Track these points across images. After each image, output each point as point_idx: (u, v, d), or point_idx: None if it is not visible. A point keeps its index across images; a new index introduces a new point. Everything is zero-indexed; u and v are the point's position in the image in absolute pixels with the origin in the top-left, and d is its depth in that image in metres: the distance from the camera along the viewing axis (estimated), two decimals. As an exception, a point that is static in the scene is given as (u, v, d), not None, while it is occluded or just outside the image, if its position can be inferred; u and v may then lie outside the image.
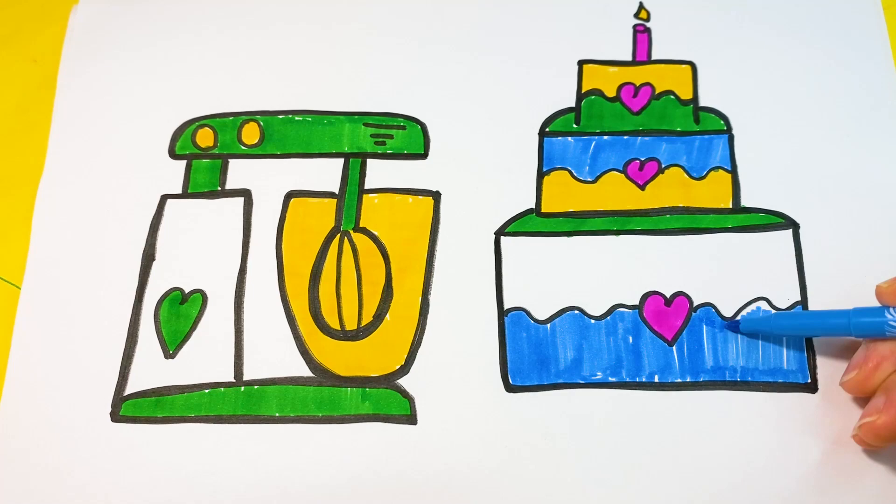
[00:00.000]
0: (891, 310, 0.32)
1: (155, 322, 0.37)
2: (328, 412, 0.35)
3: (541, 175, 0.40)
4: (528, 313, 0.37)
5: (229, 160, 0.41)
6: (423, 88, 0.42)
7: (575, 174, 0.40)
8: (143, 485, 0.34)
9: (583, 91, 0.42)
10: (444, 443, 0.35)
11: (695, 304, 0.37)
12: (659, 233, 0.38)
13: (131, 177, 0.40)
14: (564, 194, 0.39)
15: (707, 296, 0.37)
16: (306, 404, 0.36)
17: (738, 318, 0.37)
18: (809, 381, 0.35)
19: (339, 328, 0.37)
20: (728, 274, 0.37)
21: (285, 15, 0.44)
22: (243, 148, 0.41)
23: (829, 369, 0.35)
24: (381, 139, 0.41)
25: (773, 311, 0.36)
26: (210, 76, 0.43)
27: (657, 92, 0.42)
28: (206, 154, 0.41)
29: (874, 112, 0.40)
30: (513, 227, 0.39)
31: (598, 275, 0.38)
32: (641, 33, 0.43)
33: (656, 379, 0.36)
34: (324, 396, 0.36)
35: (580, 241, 0.38)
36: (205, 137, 0.41)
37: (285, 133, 0.41)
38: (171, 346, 0.37)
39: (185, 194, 0.40)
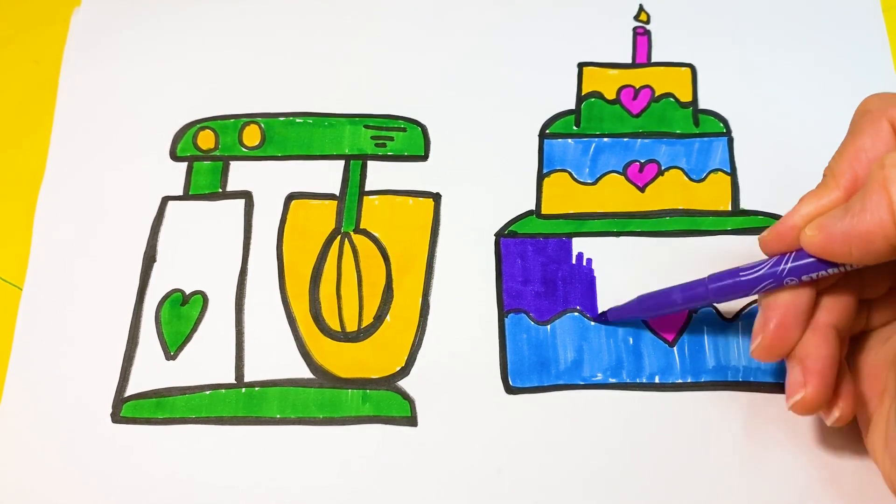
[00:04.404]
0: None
1: (156, 323, 0.37)
2: (329, 414, 0.35)
3: (541, 177, 0.40)
4: (528, 315, 0.37)
5: (230, 162, 0.41)
6: (423, 90, 0.42)
7: (575, 176, 0.40)
8: (143, 486, 0.34)
9: (583, 93, 0.42)
10: (444, 444, 0.35)
11: (695, 305, 0.37)
12: (659, 235, 0.38)
13: (132, 178, 0.40)
14: (564, 196, 0.39)
15: (707, 297, 0.37)
16: (307, 406, 0.36)
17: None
18: (809, 382, 0.35)
19: (339, 329, 0.37)
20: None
21: (286, 17, 0.44)
22: (244, 150, 0.41)
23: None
24: (381, 141, 0.41)
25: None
26: (211, 78, 0.43)
27: (657, 94, 0.42)
28: (208, 156, 0.41)
29: (873, 114, 0.40)
30: (513, 228, 0.39)
31: (598, 276, 0.38)
32: (641, 36, 0.43)
33: (657, 380, 0.36)
34: (324, 398, 0.36)
35: (580, 243, 0.38)
36: (206, 139, 0.41)
37: (286, 135, 0.41)
38: (172, 347, 0.37)
39: (186, 196, 0.40)
